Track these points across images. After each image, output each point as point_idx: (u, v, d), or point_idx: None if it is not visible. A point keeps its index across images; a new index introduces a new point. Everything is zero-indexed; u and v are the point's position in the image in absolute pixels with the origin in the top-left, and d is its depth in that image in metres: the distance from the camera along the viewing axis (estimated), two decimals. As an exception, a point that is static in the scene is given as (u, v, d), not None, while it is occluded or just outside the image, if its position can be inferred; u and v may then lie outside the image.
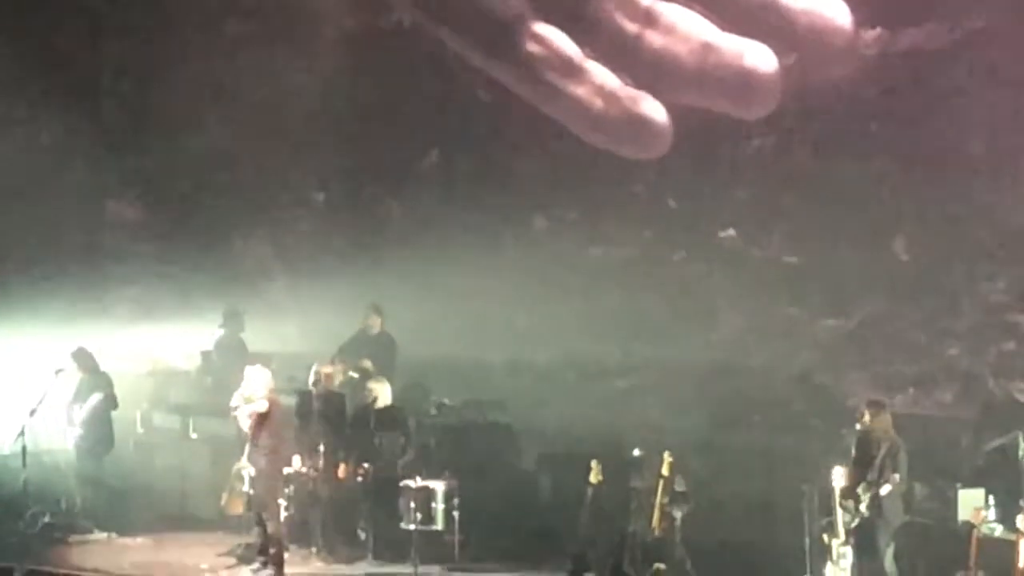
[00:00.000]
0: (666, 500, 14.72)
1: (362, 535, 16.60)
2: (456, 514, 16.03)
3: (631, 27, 8.77)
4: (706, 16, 8.71)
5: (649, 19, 8.79)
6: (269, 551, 15.81)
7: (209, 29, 21.25)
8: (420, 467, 16.42)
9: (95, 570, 16.23)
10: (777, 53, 8.42)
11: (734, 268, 18.96)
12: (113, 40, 21.77)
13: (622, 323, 18.93)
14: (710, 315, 18.94)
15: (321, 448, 16.59)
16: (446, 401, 18.41)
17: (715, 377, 18.39)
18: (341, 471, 16.73)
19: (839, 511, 14.18)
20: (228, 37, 21.37)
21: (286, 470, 16.29)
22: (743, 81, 8.64)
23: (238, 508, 16.33)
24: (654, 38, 8.78)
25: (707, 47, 8.77)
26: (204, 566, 16.29)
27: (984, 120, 17.29)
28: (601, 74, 8.84)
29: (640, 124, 8.69)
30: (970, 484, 14.81)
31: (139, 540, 17.52)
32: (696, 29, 8.74)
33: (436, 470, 16.41)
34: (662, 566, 14.52)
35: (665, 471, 14.72)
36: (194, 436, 18.93)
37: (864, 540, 14.23)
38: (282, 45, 21.05)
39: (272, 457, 15.86)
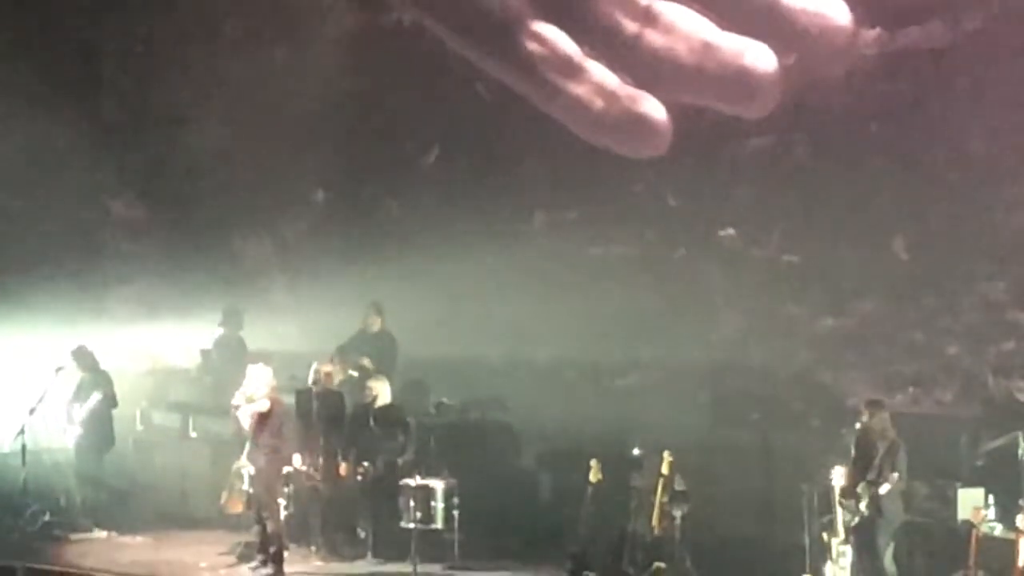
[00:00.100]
0: (666, 499, 14.69)
1: (362, 534, 16.61)
2: (456, 513, 16.01)
3: (631, 26, 8.74)
4: (706, 15, 8.69)
5: (649, 18, 8.75)
6: (269, 549, 15.82)
7: (209, 29, 21.26)
8: (420, 466, 16.39)
9: (95, 568, 16.24)
10: (777, 53, 8.42)
11: (734, 267, 18.94)
12: (113, 40, 21.80)
13: (622, 322, 18.90)
14: (710, 314, 18.92)
15: (321, 447, 16.62)
16: (446, 400, 18.44)
17: (715, 376, 18.37)
18: (341, 470, 16.75)
19: (839, 510, 14.15)
20: (228, 37, 21.39)
21: (286, 469, 16.30)
22: (743, 80, 8.61)
23: (238, 507, 16.34)
24: (654, 37, 8.74)
25: (707, 46, 8.72)
26: (204, 564, 16.29)
27: (984, 120, 17.27)
28: (601, 73, 8.80)
29: (640, 123, 8.66)
30: (970, 483, 14.78)
31: (139, 538, 17.54)
32: (696, 28, 8.71)
33: (436, 469, 16.41)
34: (662, 565, 14.50)
35: (665, 470, 14.69)
36: (194, 435, 18.96)
37: (864, 539, 14.21)
38: (282, 45, 21.07)
39: (272, 456, 15.87)
